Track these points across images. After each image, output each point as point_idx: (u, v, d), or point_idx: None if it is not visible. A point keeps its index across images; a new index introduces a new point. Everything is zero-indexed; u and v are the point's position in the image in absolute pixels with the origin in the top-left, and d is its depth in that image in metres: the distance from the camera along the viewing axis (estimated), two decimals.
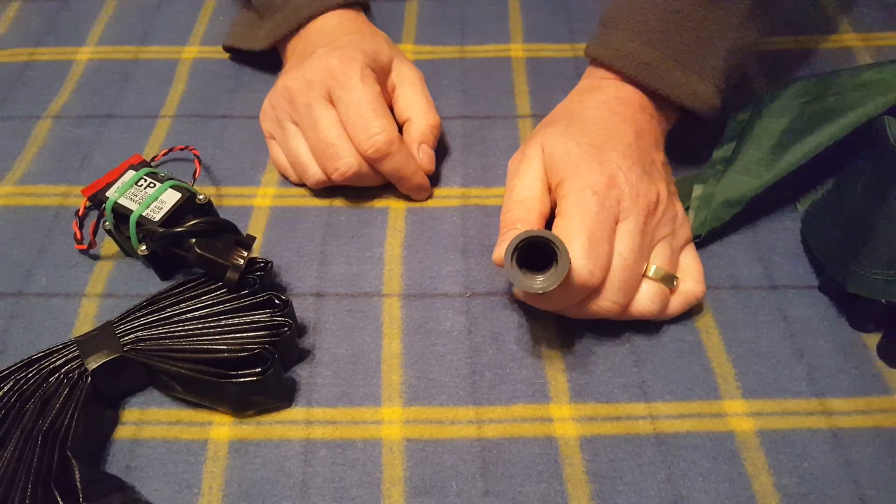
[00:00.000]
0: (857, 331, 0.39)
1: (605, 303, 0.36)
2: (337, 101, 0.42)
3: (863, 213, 0.37)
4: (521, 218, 0.38)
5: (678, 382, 0.37)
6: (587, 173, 0.37)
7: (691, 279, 0.39)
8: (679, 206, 0.40)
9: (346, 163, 0.42)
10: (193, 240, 0.38)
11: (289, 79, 0.44)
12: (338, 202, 0.45)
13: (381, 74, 0.45)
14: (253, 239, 0.39)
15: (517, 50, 0.55)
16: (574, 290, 0.35)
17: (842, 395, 0.37)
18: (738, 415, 0.36)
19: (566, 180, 0.37)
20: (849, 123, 0.40)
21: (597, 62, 0.43)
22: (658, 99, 0.42)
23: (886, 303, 0.36)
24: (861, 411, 0.36)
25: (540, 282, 0.34)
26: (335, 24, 0.47)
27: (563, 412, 0.36)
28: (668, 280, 0.38)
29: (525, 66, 0.54)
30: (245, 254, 0.38)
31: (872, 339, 0.39)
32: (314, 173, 0.43)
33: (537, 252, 0.34)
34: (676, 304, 0.38)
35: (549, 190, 0.39)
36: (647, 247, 0.37)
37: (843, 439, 0.35)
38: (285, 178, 0.47)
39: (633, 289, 0.37)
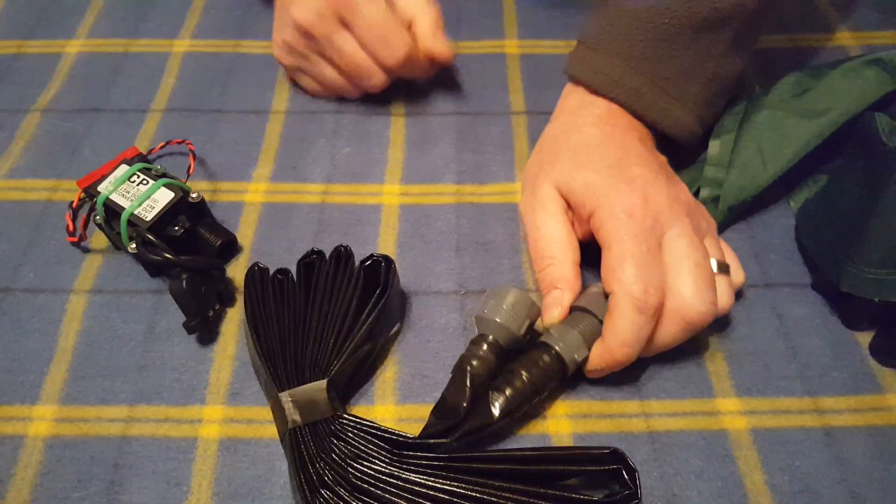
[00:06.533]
0: (850, 329, 0.39)
1: (702, 306, 0.34)
2: (351, 25, 0.45)
3: (855, 212, 0.37)
4: (559, 277, 0.37)
5: (672, 380, 0.37)
6: (617, 197, 0.36)
7: (734, 266, 0.39)
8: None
9: (376, 80, 0.47)
10: (185, 275, 0.37)
11: (297, 13, 0.45)
12: (330, 199, 0.45)
13: None
14: (232, 295, 0.40)
15: (511, 46, 0.55)
16: (638, 321, 0.34)
17: (834, 393, 0.37)
18: (732, 413, 0.36)
19: (597, 210, 0.36)
20: (839, 116, 0.40)
21: (580, 82, 0.43)
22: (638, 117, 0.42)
23: (879, 301, 0.36)
24: (853, 410, 0.36)
25: (575, 351, 0.35)
26: None
27: (557, 409, 0.36)
28: (726, 269, 0.37)
29: (519, 63, 0.53)
30: (217, 307, 0.39)
31: (865, 338, 0.39)
32: (350, 93, 0.50)
33: None
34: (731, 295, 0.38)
35: (574, 224, 0.38)
36: (702, 244, 0.36)
37: (836, 437, 0.35)
38: (277, 174, 0.46)
39: (713, 285, 0.35)
